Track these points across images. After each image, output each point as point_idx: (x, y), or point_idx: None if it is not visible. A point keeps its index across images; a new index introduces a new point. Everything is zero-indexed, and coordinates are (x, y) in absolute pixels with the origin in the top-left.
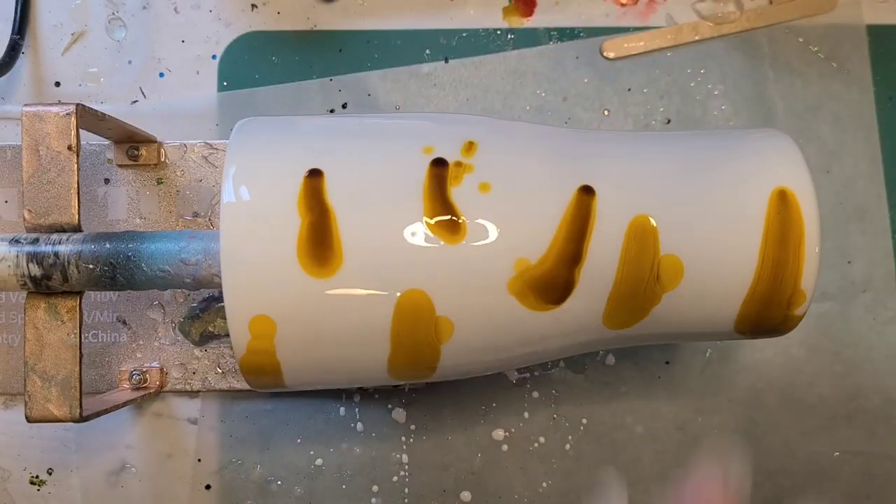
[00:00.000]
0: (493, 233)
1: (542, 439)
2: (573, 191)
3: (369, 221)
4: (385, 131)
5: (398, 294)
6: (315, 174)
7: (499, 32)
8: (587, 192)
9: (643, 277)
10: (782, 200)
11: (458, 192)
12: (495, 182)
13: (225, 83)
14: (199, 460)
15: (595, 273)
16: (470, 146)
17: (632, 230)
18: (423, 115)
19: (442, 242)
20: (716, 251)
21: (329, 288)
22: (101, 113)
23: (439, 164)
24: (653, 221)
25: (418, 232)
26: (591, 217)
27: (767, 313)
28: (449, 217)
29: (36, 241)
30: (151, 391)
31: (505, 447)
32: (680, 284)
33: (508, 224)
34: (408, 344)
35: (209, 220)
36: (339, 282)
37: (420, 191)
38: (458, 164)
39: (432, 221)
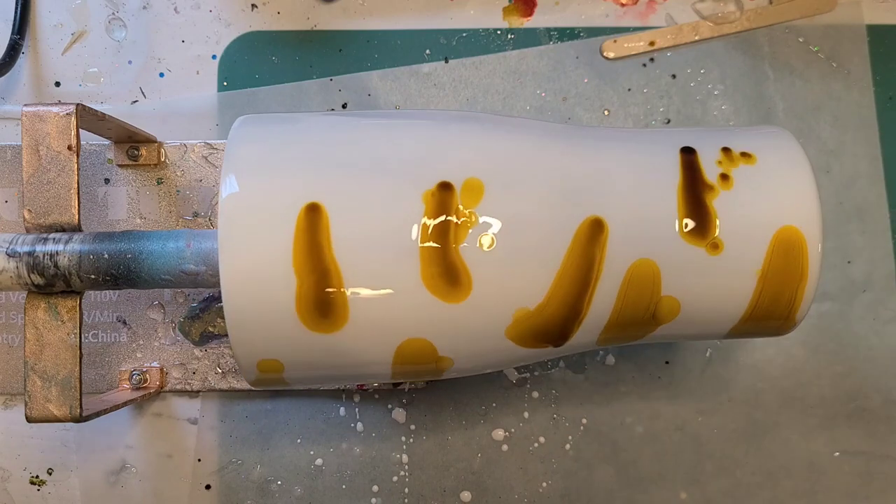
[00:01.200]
0: (495, 289)
1: (542, 439)
2: (576, 229)
3: (374, 281)
4: (385, 166)
5: (400, 341)
6: (313, 211)
7: (499, 32)
8: (595, 230)
9: (639, 317)
10: (785, 242)
11: (463, 249)
12: (500, 237)
13: (225, 83)
14: (199, 460)
15: (592, 315)
16: (474, 192)
17: (633, 275)
18: (425, 132)
19: (445, 303)
20: (715, 294)
21: (333, 342)
22: (101, 113)
23: (442, 226)
24: (656, 264)
25: (422, 293)
26: (595, 266)
27: (763, 328)
28: (454, 278)
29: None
30: (151, 391)
31: (505, 447)
32: (676, 319)
33: (511, 278)
34: (410, 372)
35: (209, 220)
36: (343, 337)
37: (418, 252)
38: (463, 221)
39: (435, 281)
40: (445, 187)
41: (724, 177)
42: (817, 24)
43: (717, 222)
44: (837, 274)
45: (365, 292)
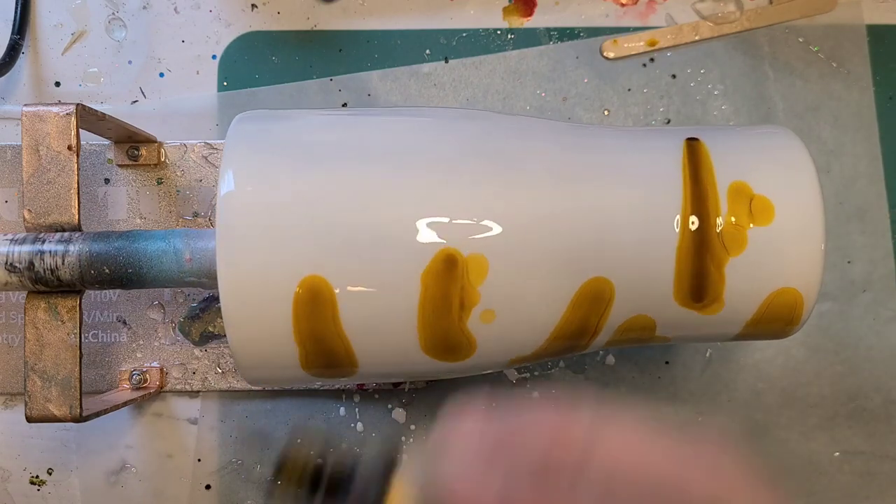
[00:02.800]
0: (495, 352)
1: None
2: (577, 290)
3: (381, 349)
4: (387, 234)
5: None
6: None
7: (499, 32)
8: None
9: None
10: (781, 301)
11: (469, 323)
12: (500, 311)
13: (225, 83)
14: (199, 460)
15: (589, 346)
16: (478, 268)
17: (628, 324)
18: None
19: (448, 363)
20: (703, 335)
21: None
22: (101, 113)
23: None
24: (652, 318)
25: (426, 362)
26: (593, 325)
27: (762, 334)
28: (456, 349)
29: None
30: (151, 391)
31: None
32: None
33: (510, 341)
34: None
35: (209, 219)
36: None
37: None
38: (468, 300)
39: (438, 352)
40: (450, 262)
41: (734, 236)
42: (817, 24)
43: (723, 289)
44: (837, 274)
45: (370, 350)
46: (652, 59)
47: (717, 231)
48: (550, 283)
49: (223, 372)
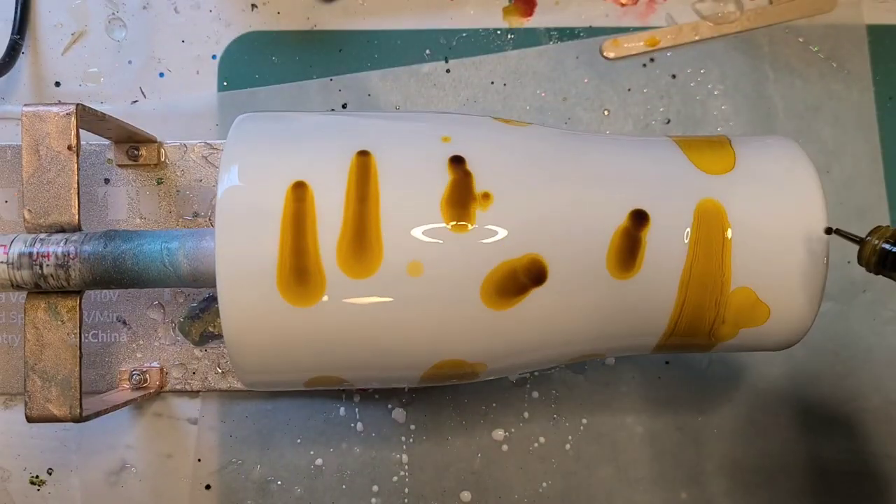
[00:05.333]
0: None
1: (542, 439)
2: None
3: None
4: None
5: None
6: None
7: (499, 32)
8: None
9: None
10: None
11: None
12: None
13: (225, 83)
14: (199, 460)
15: None
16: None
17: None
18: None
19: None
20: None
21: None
22: (101, 113)
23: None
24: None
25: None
26: None
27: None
28: None
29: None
30: (151, 391)
31: (505, 447)
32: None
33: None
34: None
35: (209, 219)
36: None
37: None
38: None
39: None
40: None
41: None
42: (817, 24)
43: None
44: (837, 274)
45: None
46: (652, 59)
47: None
48: None
49: (223, 372)
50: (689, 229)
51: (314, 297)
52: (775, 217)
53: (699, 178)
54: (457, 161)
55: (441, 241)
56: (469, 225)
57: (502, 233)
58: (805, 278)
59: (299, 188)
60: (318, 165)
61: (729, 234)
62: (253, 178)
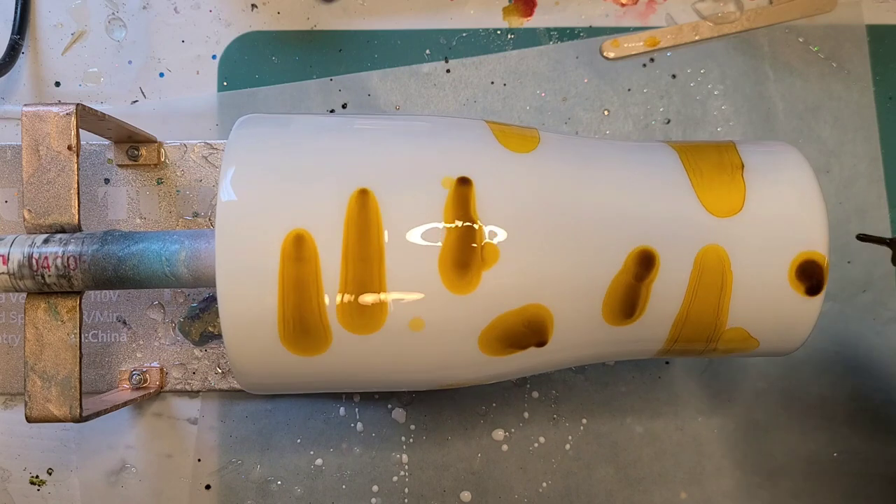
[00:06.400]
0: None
1: (542, 439)
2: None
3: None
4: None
5: None
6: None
7: (499, 32)
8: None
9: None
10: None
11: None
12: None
13: (225, 83)
14: (199, 460)
15: None
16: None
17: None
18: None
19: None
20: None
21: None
22: (101, 113)
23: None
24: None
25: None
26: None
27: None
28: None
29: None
30: (151, 391)
31: (505, 447)
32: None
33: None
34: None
35: (209, 219)
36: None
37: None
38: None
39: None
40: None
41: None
42: (817, 24)
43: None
44: (837, 274)
45: None
46: (652, 59)
47: None
48: None
49: (223, 372)
50: (690, 273)
51: (317, 350)
52: (778, 263)
53: (707, 220)
54: (461, 215)
55: (444, 301)
56: (473, 285)
57: (506, 290)
58: (798, 318)
59: (299, 242)
60: (317, 215)
61: (730, 279)
62: (249, 233)
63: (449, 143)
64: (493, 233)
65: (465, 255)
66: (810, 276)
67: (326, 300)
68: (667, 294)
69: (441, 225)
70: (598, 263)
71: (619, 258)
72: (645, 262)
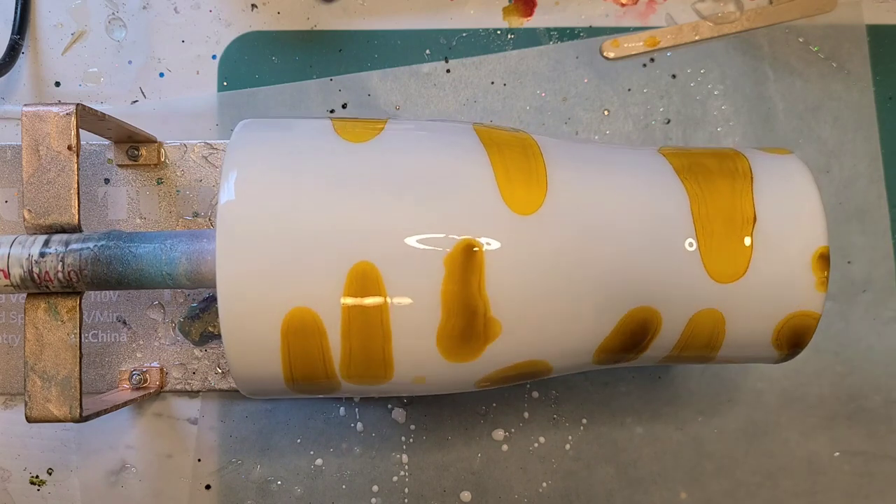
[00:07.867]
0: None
1: (542, 439)
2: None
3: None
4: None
5: None
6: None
7: (499, 32)
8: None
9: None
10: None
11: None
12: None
13: (225, 83)
14: (199, 460)
15: None
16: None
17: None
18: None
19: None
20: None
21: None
22: (101, 113)
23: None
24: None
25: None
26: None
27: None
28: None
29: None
30: (151, 391)
31: (505, 447)
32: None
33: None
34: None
35: (209, 219)
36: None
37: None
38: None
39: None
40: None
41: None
42: (817, 24)
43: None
44: (837, 274)
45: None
46: (652, 59)
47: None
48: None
49: (223, 372)
50: (682, 331)
51: (324, 392)
52: (771, 325)
53: (707, 286)
54: (462, 289)
55: (446, 366)
56: (475, 355)
57: (508, 358)
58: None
59: (299, 316)
60: (318, 294)
61: (723, 338)
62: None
63: (451, 209)
64: (497, 304)
65: (467, 329)
66: (796, 344)
67: (332, 365)
68: (658, 346)
69: (439, 301)
70: (599, 323)
71: (617, 318)
72: (642, 326)
